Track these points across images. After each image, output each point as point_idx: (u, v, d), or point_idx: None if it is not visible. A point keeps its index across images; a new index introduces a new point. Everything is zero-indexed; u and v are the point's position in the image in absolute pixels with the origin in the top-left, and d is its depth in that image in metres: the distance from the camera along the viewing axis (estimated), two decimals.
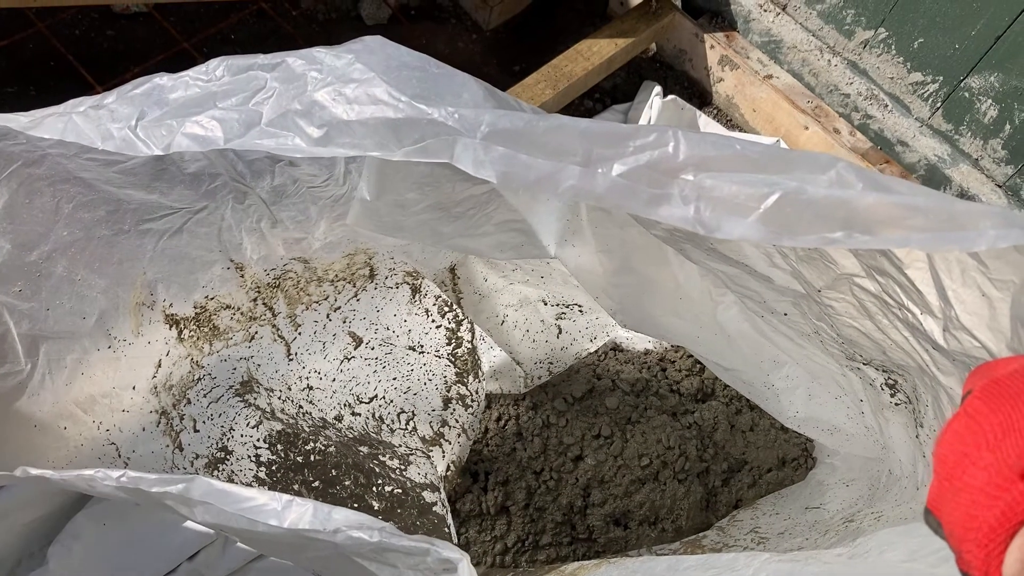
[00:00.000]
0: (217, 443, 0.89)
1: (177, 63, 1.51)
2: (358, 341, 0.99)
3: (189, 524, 0.91)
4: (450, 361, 1.05)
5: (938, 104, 1.42)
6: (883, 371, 0.73)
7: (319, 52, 0.54)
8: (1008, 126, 1.35)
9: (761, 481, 1.18)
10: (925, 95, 1.43)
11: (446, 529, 0.95)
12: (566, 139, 0.48)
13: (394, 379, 1.03)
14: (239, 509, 0.56)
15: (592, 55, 1.53)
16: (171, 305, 0.85)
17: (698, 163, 0.47)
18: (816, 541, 0.76)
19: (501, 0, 1.68)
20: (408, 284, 1.00)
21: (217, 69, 0.55)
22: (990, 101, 1.35)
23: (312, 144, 0.50)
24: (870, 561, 0.56)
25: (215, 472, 0.87)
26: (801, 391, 0.84)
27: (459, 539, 1.08)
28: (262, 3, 1.60)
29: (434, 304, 1.03)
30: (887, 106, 1.49)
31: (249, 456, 0.90)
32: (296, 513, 0.55)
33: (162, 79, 0.55)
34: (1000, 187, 1.42)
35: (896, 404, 0.73)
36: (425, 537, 0.54)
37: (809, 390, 0.84)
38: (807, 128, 1.53)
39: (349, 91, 0.51)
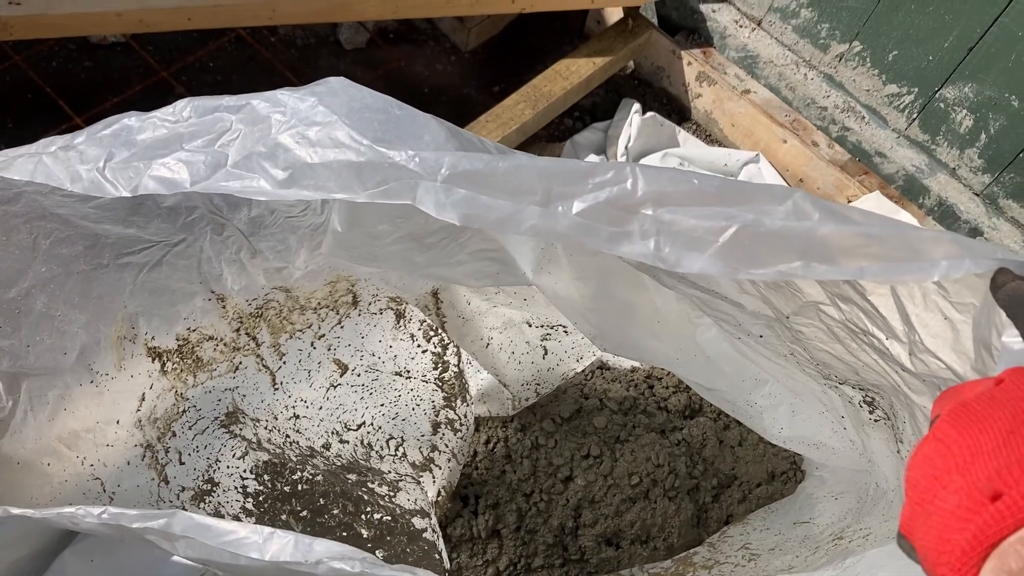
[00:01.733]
0: (203, 475, 0.88)
1: (156, 93, 1.51)
2: (344, 368, 0.99)
3: (176, 559, 0.90)
4: (437, 385, 1.05)
5: (914, 115, 1.44)
6: (860, 389, 0.73)
7: (283, 94, 0.54)
8: (983, 135, 1.36)
9: (751, 496, 1.18)
10: (901, 106, 1.45)
11: (436, 555, 0.94)
12: (526, 179, 0.49)
13: (381, 405, 1.02)
14: (221, 543, 0.55)
15: (571, 74, 1.54)
16: (153, 338, 0.85)
17: (656, 198, 0.48)
18: (807, 560, 0.76)
19: (479, 22, 1.69)
20: (392, 309, 1.00)
21: (184, 110, 0.55)
22: (965, 111, 1.36)
23: (277, 186, 0.50)
24: None
25: (201, 504, 0.87)
26: (784, 408, 0.85)
27: (451, 564, 1.08)
28: (240, 30, 1.60)
29: (419, 329, 1.03)
30: (864, 118, 1.51)
31: (236, 487, 0.89)
32: (277, 545, 0.55)
33: (131, 119, 0.55)
34: (978, 196, 1.44)
35: (875, 421, 0.73)
36: (407, 567, 0.54)
37: (792, 407, 0.84)
38: (785, 142, 1.55)
39: (312, 134, 0.51)
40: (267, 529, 0.55)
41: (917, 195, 1.49)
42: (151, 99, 1.50)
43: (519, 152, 0.56)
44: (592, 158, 1.58)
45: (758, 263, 0.45)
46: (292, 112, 0.53)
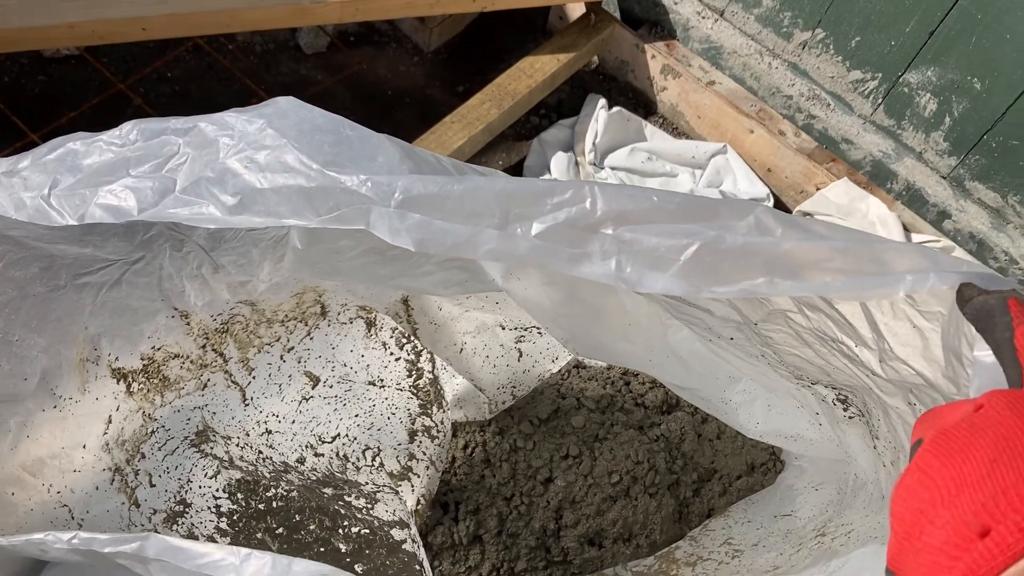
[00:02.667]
0: (175, 496, 0.86)
1: (113, 105, 1.48)
2: (315, 380, 0.97)
3: None
4: (412, 393, 1.04)
5: (879, 100, 1.44)
6: (832, 388, 0.73)
7: (231, 116, 0.53)
8: (948, 118, 1.37)
9: (732, 488, 1.18)
10: (866, 92, 1.45)
11: (417, 566, 0.93)
12: (482, 201, 0.47)
13: (356, 416, 1.01)
14: (196, 566, 0.54)
15: (535, 72, 1.53)
16: (117, 359, 0.82)
17: (616, 217, 0.47)
18: (791, 558, 0.76)
19: (440, 21, 1.67)
20: (362, 319, 0.98)
21: (131, 133, 0.54)
22: (929, 95, 1.37)
23: (227, 213, 0.48)
24: None
25: (174, 526, 0.85)
26: (759, 403, 0.84)
27: (433, 573, 1.06)
28: (197, 39, 1.58)
29: (391, 336, 1.01)
30: (829, 105, 1.51)
31: (209, 507, 0.88)
32: (254, 567, 0.53)
33: (76, 143, 0.54)
34: (945, 179, 1.44)
35: (850, 418, 0.73)
36: None
37: (768, 402, 0.84)
38: (752, 132, 1.55)
39: (261, 158, 0.49)
40: (243, 550, 0.54)
41: (885, 180, 1.50)
42: (108, 112, 1.47)
43: (475, 173, 0.55)
44: (560, 155, 1.57)
45: (721, 281, 0.45)
46: (240, 135, 0.51)
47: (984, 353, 0.42)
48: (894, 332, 0.54)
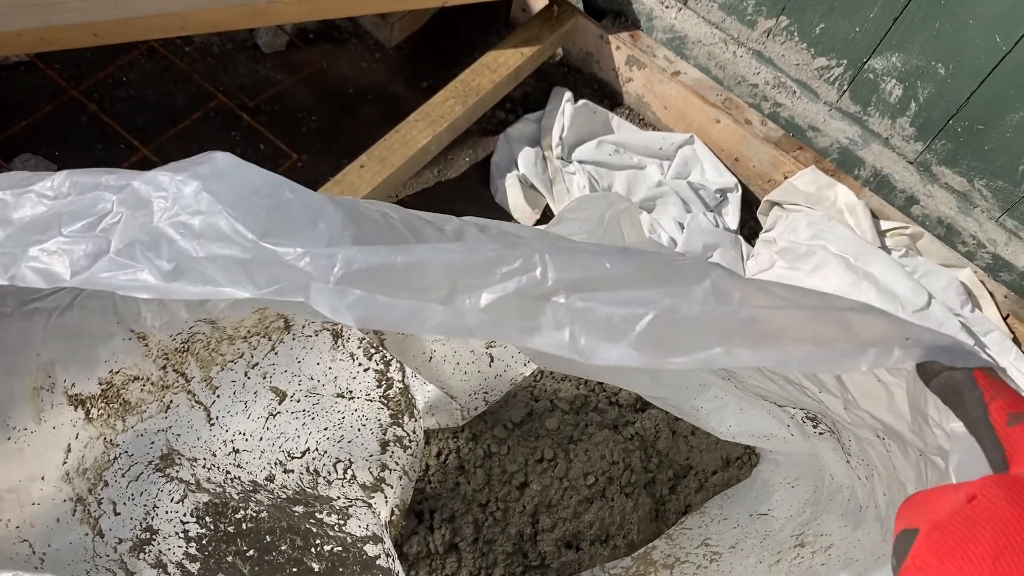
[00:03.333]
0: (141, 524, 0.84)
1: (66, 112, 1.44)
2: (282, 395, 0.95)
3: None
4: (383, 403, 1.02)
5: (845, 87, 1.43)
6: (800, 410, 0.72)
7: (164, 176, 0.50)
8: (913, 104, 1.37)
9: (708, 484, 1.17)
10: (831, 79, 1.45)
11: None
12: (428, 273, 0.45)
13: (325, 429, 0.99)
14: None
15: (499, 67, 1.51)
16: (73, 385, 0.80)
17: (568, 285, 0.45)
18: (770, 569, 0.75)
19: (401, 16, 1.64)
20: (328, 330, 0.96)
21: (63, 185, 0.51)
22: (894, 81, 1.36)
23: (161, 279, 0.46)
24: None
25: (141, 555, 0.83)
26: (731, 408, 0.83)
27: None
28: (152, 42, 1.54)
29: (359, 347, 0.99)
30: (795, 93, 1.50)
31: (176, 533, 0.86)
32: None
33: (5, 194, 0.51)
34: (911, 164, 1.44)
35: (820, 434, 0.72)
36: None
37: (739, 406, 0.83)
38: (719, 121, 1.54)
39: (196, 224, 0.47)
40: None
41: (852, 167, 1.49)
42: (62, 119, 1.43)
43: (428, 226, 0.52)
44: (527, 151, 1.55)
45: (676, 352, 0.43)
46: (174, 198, 0.48)
47: (959, 424, 0.41)
48: (857, 384, 0.53)
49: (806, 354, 0.41)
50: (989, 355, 0.49)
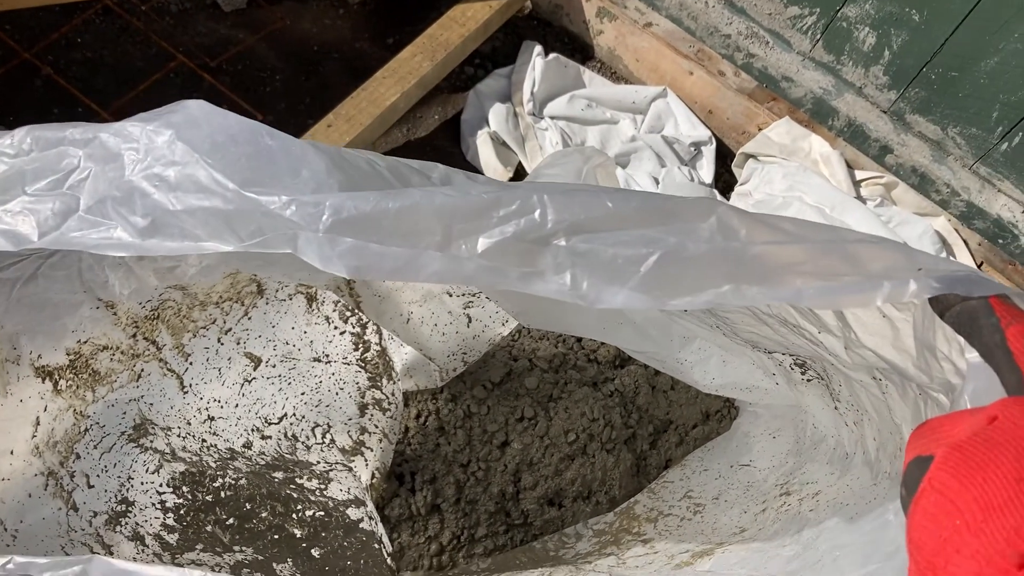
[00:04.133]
0: (116, 496, 0.82)
1: (20, 76, 1.39)
2: (257, 361, 0.93)
3: None
4: (360, 367, 1.00)
5: (818, 36, 1.42)
6: (790, 355, 0.71)
7: (135, 126, 0.47)
8: (887, 52, 1.35)
9: (688, 438, 1.17)
10: (804, 28, 1.43)
11: (375, 545, 0.91)
12: (422, 219, 0.43)
13: (302, 394, 0.97)
14: None
15: (467, 20, 1.48)
16: (40, 356, 0.77)
17: (569, 227, 0.43)
18: (756, 518, 0.75)
19: None
20: (302, 294, 0.94)
21: (24, 141, 0.48)
22: (868, 28, 1.35)
23: (137, 236, 0.43)
24: (826, 575, 0.54)
25: (117, 527, 0.81)
26: (715, 360, 0.83)
27: (392, 545, 1.04)
28: (106, 1, 1.48)
29: (334, 311, 0.97)
30: (768, 43, 1.48)
31: (153, 504, 0.84)
32: None
33: None
34: (885, 113, 1.44)
35: (808, 380, 0.71)
36: None
37: (723, 358, 0.82)
38: (692, 73, 1.52)
39: (172, 176, 0.44)
40: (196, 572, 0.51)
41: (826, 117, 1.48)
42: (16, 83, 1.38)
43: (414, 172, 0.50)
44: (498, 107, 1.52)
45: (684, 291, 0.41)
46: (147, 149, 0.45)
47: (974, 355, 0.40)
48: (861, 321, 0.52)
49: (817, 289, 0.40)
50: None
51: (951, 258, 1.37)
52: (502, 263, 0.42)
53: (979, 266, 1.46)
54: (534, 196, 0.43)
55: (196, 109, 0.47)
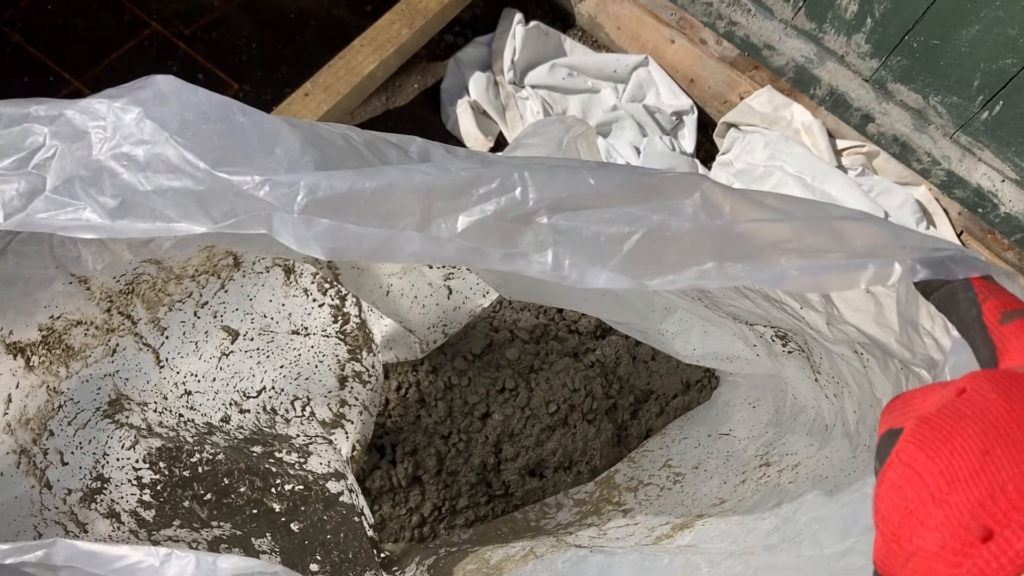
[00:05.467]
0: (91, 473, 0.82)
1: None
2: (234, 334, 0.92)
3: None
4: (340, 339, 0.99)
5: (800, 4, 1.41)
6: (771, 327, 0.71)
7: (101, 103, 0.45)
8: (869, 19, 1.34)
9: (668, 408, 1.18)
10: None
11: (356, 518, 0.91)
12: (399, 198, 0.42)
13: (281, 367, 0.96)
14: (111, 571, 0.50)
15: None
16: (11, 333, 0.76)
17: (551, 205, 0.42)
18: (736, 489, 0.75)
19: None
20: (280, 266, 0.93)
21: None
22: None
23: (107, 217, 0.42)
24: (805, 548, 0.54)
25: (93, 505, 0.80)
26: (696, 331, 0.82)
27: (374, 517, 1.04)
28: None
29: (312, 283, 0.96)
30: (750, 11, 1.47)
31: (129, 480, 0.83)
32: (177, 568, 0.49)
33: None
34: (867, 82, 1.43)
35: (789, 352, 0.71)
36: None
37: (704, 328, 0.82)
38: (673, 42, 1.50)
39: (141, 155, 0.43)
40: (163, 550, 0.50)
41: (808, 86, 1.48)
42: None
43: (392, 147, 0.48)
44: (478, 75, 1.50)
45: (667, 269, 0.40)
46: (114, 127, 0.44)
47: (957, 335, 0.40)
48: (845, 297, 0.51)
49: (801, 269, 0.39)
50: None
51: (933, 230, 1.37)
52: (483, 242, 0.42)
53: (959, 235, 1.46)
54: (515, 173, 0.42)
55: (165, 85, 0.45)
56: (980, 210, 1.43)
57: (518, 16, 1.52)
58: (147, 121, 0.44)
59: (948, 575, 0.30)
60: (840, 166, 1.45)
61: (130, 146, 0.43)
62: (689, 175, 0.42)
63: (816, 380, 0.69)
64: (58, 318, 0.79)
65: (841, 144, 1.47)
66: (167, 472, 0.85)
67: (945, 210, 1.46)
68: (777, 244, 0.40)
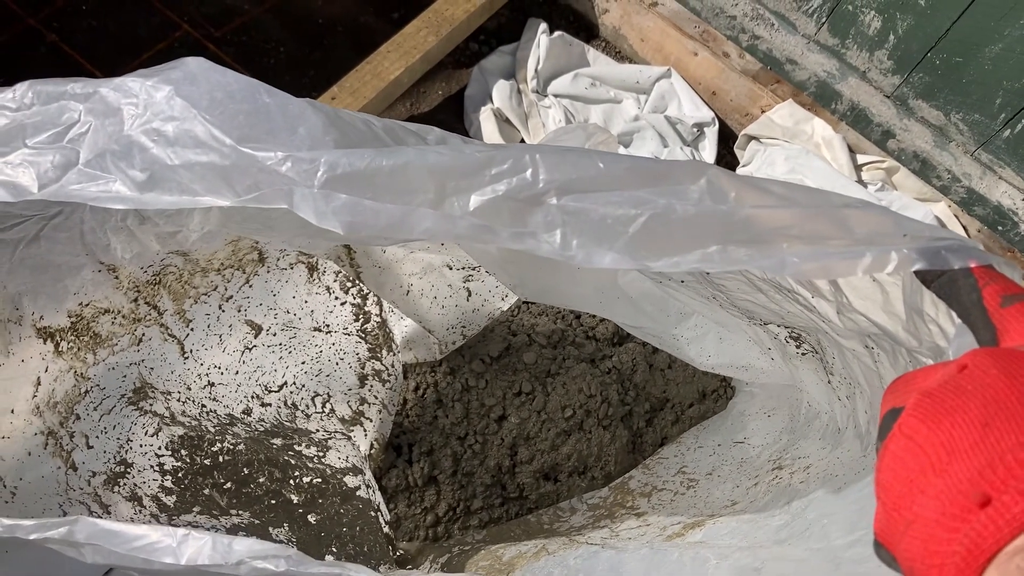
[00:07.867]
0: (114, 457, 0.83)
1: (25, 42, 1.39)
2: (257, 329, 0.94)
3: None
4: (360, 337, 1.01)
5: (823, 19, 1.42)
6: (785, 327, 0.71)
7: (134, 82, 0.47)
8: (892, 36, 1.35)
9: (684, 417, 1.18)
10: (810, 11, 1.43)
11: (372, 512, 0.92)
12: (415, 177, 0.43)
13: (303, 363, 0.98)
14: (130, 549, 0.51)
15: None
16: (41, 318, 0.78)
17: (560, 186, 0.43)
18: (748, 492, 0.76)
19: None
20: (303, 263, 0.95)
21: (26, 95, 0.48)
22: (873, 12, 1.35)
23: (136, 189, 0.44)
24: (813, 542, 0.55)
25: (116, 488, 0.82)
26: (711, 337, 0.83)
27: (389, 515, 1.05)
28: None
29: (335, 281, 0.98)
30: (773, 25, 1.48)
31: (152, 466, 0.85)
32: (193, 548, 0.51)
33: None
34: (888, 98, 1.44)
35: (803, 354, 0.72)
36: (337, 563, 0.51)
37: (719, 335, 0.83)
38: (696, 54, 1.51)
39: (170, 130, 0.45)
40: (180, 531, 0.51)
41: (829, 101, 1.48)
42: (19, 50, 1.38)
43: (410, 134, 0.50)
44: (502, 83, 1.52)
45: (672, 252, 0.42)
46: (146, 104, 0.46)
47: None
48: (853, 286, 0.52)
49: (803, 255, 0.40)
50: None
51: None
52: (493, 221, 0.43)
53: None
54: (526, 155, 0.43)
55: (195, 66, 0.47)
56: (1000, 228, 1.43)
57: (543, 26, 1.54)
58: (177, 99, 0.46)
59: (946, 540, 0.31)
60: (860, 181, 1.45)
61: (160, 122, 0.45)
62: (696, 162, 0.43)
63: (829, 382, 0.69)
64: (87, 305, 0.81)
65: (861, 159, 1.47)
66: (188, 460, 0.86)
67: (964, 228, 1.46)
68: (780, 230, 0.41)
